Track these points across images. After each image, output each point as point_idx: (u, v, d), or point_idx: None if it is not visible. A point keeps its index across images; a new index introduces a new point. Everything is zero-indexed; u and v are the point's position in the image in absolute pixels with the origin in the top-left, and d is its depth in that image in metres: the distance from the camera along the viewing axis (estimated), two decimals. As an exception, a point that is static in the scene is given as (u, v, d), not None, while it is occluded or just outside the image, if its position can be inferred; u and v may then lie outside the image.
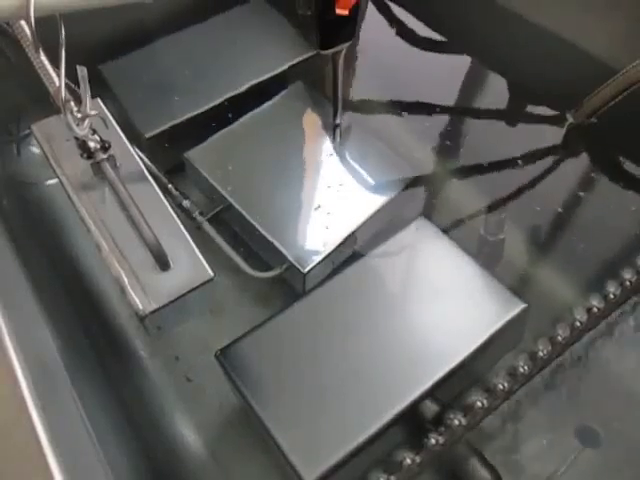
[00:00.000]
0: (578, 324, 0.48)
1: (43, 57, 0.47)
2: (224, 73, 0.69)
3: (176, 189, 0.61)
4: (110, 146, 0.49)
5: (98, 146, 0.48)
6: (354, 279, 0.52)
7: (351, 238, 0.57)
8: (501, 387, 0.45)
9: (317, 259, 0.54)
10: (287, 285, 0.58)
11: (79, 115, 0.47)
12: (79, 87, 0.47)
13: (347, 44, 0.52)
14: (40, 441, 0.29)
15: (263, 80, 0.69)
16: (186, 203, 0.61)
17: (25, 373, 0.32)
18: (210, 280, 0.47)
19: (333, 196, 0.59)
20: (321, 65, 0.70)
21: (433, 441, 0.44)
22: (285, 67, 0.71)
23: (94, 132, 0.49)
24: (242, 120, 0.65)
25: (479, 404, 0.44)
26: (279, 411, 0.45)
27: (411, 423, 0.46)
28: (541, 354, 0.47)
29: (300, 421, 0.44)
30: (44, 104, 0.54)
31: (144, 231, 0.46)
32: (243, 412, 0.51)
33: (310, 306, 0.51)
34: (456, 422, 0.44)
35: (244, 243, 0.60)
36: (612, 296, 0.50)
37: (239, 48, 0.72)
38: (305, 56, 0.72)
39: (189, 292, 0.46)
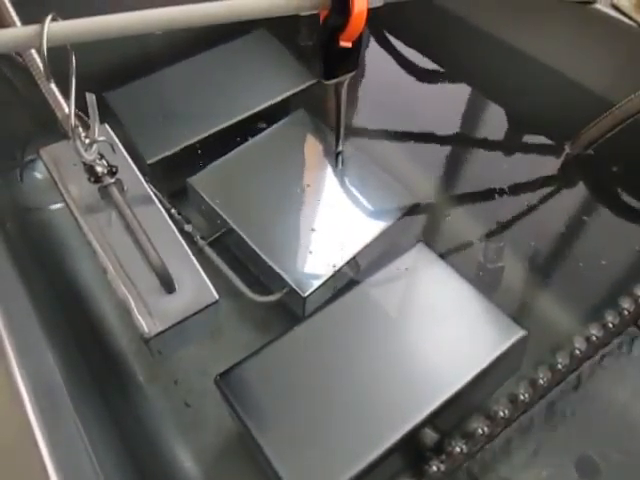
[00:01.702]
0: (577, 352, 0.48)
1: (52, 85, 0.48)
2: (226, 101, 0.71)
3: (178, 213, 0.62)
4: (117, 171, 0.50)
5: (105, 171, 0.49)
6: (353, 304, 0.52)
7: (351, 263, 0.58)
8: (502, 414, 0.45)
9: (317, 283, 0.55)
10: (286, 309, 0.58)
11: (87, 141, 0.48)
12: (85, 114, 0.48)
13: (350, 75, 0.54)
14: (45, 464, 0.29)
15: (265, 108, 0.71)
16: (188, 227, 0.62)
17: (30, 397, 0.32)
18: (215, 303, 0.47)
19: (333, 221, 0.60)
20: (322, 93, 0.72)
21: (434, 469, 0.44)
22: (287, 95, 0.72)
23: (101, 157, 0.50)
24: (244, 146, 0.66)
25: (480, 431, 0.44)
26: (278, 437, 0.44)
27: (411, 451, 0.46)
28: (541, 382, 0.47)
29: (298, 448, 0.44)
30: (48, 130, 0.55)
31: (150, 254, 0.46)
32: (240, 437, 0.51)
33: (310, 331, 0.51)
34: (457, 449, 0.44)
35: (244, 267, 0.60)
36: (611, 325, 0.51)
37: (241, 77, 0.74)
38: (306, 85, 0.73)
39: (194, 315, 0.46)
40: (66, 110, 0.49)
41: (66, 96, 0.50)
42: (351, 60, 0.51)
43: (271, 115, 0.70)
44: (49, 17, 0.38)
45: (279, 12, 0.42)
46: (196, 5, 0.40)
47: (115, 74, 0.74)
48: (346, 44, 0.46)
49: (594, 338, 0.50)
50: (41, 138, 0.59)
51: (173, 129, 0.68)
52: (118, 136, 0.58)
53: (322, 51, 0.49)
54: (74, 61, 0.43)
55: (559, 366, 0.48)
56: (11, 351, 0.33)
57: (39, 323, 0.44)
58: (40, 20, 0.38)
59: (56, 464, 0.29)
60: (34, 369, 0.34)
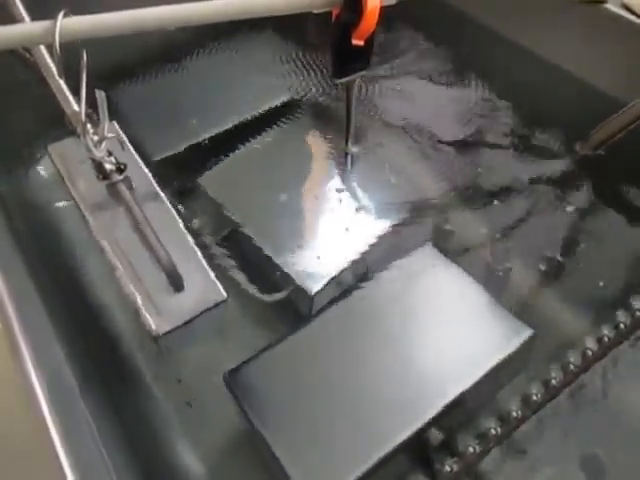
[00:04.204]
0: (589, 352, 0.48)
1: (62, 81, 0.48)
2: (233, 99, 0.71)
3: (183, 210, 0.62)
4: (126, 168, 0.50)
5: (114, 168, 0.49)
6: (361, 303, 0.52)
7: (358, 262, 0.57)
8: (515, 415, 0.45)
9: (324, 282, 0.55)
10: (293, 308, 0.58)
11: (96, 137, 0.48)
12: (93, 111, 0.48)
13: (361, 73, 0.54)
14: (61, 462, 0.29)
15: (271, 107, 0.71)
16: (194, 225, 0.61)
17: (45, 395, 0.32)
18: (223, 301, 0.47)
19: (341, 220, 0.60)
20: (329, 94, 0.72)
21: (447, 468, 0.44)
22: (293, 95, 0.72)
23: (110, 154, 0.50)
24: (251, 145, 0.66)
25: (493, 432, 0.44)
26: (286, 436, 0.44)
27: (419, 450, 0.46)
28: (554, 382, 0.47)
29: (307, 446, 0.44)
30: (54, 127, 0.55)
31: (159, 252, 0.46)
32: (247, 435, 0.51)
33: (317, 330, 0.51)
34: (470, 450, 0.44)
35: (252, 265, 0.60)
36: (622, 326, 0.51)
37: (248, 75, 0.74)
38: (312, 85, 0.73)
39: (202, 313, 0.46)
40: (75, 107, 0.49)
41: (74, 93, 0.50)
42: (363, 59, 0.51)
43: (278, 115, 0.70)
44: (62, 13, 0.38)
45: (292, 9, 0.42)
46: (210, 2, 0.40)
47: (121, 72, 0.74)
48: (358, 42, 0.46)
49: (606, 339, 0.50)
50: (47, 135, 0.59)
51: (179, 127, 0.68)
52: (124, 134, 0.58)
53: (334, 49, 0.49)
54: (85, 57, 0.43)
55: (571, 366, 0.48)
56: (25, 350, 0.33)
57: (50, 322, 0.44)
58: (52, 16, 0.38)
59: (72, 462, 0.29)
60: (48, 367, 0.34)
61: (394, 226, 0.60)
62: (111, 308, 0.59)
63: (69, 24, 0.38)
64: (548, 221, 0.65)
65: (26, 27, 0.39)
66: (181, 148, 0.66)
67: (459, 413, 0.47)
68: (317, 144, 0.67)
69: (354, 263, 0.57)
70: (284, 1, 0.42)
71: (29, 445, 0.30)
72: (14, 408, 0.31)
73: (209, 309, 0.47)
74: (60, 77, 0.46)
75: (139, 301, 0.46)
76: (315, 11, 0.45)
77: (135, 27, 0.38)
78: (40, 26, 0.38)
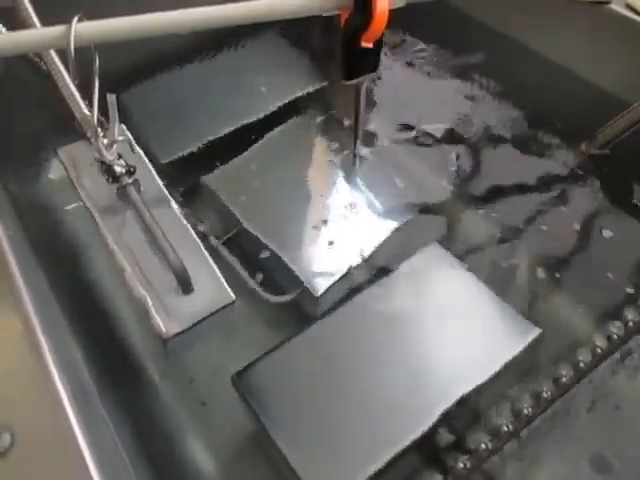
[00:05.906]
0: (598, 350, 0.49)
1: (73, 85, 0.49)
2: (238, 101, 0.71)
3: (189, 212, 0.63)
4: (135, 170, 0.50)
5: (123, 170, 0.49)
6: (367, 304, 0.52)
7: (365, 262, 0.58)
8: (525, 412, 0.45)
9: (330, 283, 0.55)
10: (299, 308, 0.58)
11: (106, 141, 0.48)
12: (102, 114, 0.48)
13: (370, 75, 0.54)
14: (85, 459, 0.29)
15: (277, 108, 0.71)
16: (200, 227, 0.62)
17: (67, 394, 0.32)
18: (232, 303, 0.47)
19: (347, 221, 0.60)
20: (333, 94, 0.72)
21: (460, 465, 0.44)
22: (298, 96, 0.72)
23: (119, 157, 0.50)
24: (257, 146, 0.67)
25: (504, 429, 0.44)
26: (294, 436, 0.44)
27: (429, 448, 0.46)
28: (564, 379, 0.47)
29: (317, 446, 0.44)
30: (62, 131, 0.56)
31: (169, 254, 0.46)
32: (256, 436, 0.51)
33: (325, 330, 0.51)
34: (482, 446, 0.44)
35: (258, 266, 0.60)
36: (631, 324, 0.51)
37: (253, 77, 0.74)
38: (317, 86, 0.74)
39: (211, 315, 0.47)
40: (85, 110, 0.49)
41: (84, 96, 0.50)
42: (372, 61, 0.51)
43: (283, 115, 0.70)
44: (76, 17, 0.38)
45: (303, 13, 0.43)
46: (220, 7, 0.40)
47: (128, 74, 0.74)
48: (367, 45, 0.46)
49: (614, 336, 0.50)
50: (57, 138, 0.59)
51: (186, 129, 0.68)
52: (132, 136, 0.59)
53: (343, 51, 0.49)
54: (97, 62, 0.43)
55: (580, 364, 0.48)
56: (47, 350, 0.34)
57: (68, 325, 0.44)
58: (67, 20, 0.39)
59: (94, 457, 0.29)
60: (68, 367, 0.35)
61: (400, 226, 0.60)
62: (121, 310, 0.60)
63: (83, 29, 0.39)
64: (554, 220, 0.65)
65: (41, 32, 0.40)
66: (188, 150, 0.66)
67: (469, 411, 0.47)
68: (323, 145, 0.68)
69: (360, 263, 0.57)
70: (295, 5, 0.42)
71: (54, 442, 0.30)
72: (38, 408, 0.32)
73: (218, 311, 0.47)
74: (74, 81, 0.46)
75: (148, 303, 0.46)
76: (324, 14, 0.45)
77: (148, 32, 0.39)
78: (54, 31, 0.38)
